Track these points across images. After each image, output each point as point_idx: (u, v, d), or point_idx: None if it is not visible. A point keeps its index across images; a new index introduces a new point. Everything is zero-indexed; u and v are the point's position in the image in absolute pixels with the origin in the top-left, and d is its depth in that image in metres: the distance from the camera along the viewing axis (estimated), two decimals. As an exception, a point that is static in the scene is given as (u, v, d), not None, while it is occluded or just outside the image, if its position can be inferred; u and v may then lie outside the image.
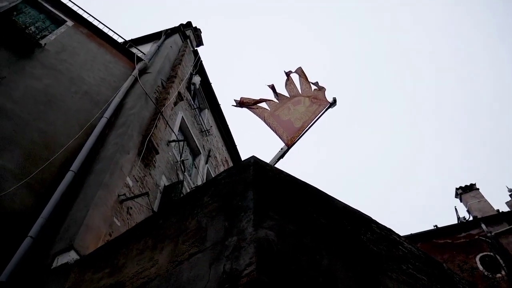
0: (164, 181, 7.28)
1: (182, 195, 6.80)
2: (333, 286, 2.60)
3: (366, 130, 62.13)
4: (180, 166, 8.27)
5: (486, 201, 15.32)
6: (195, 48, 11.44)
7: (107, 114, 6.88)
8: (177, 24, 10.91)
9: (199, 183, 9.01)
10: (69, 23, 8.45)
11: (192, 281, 2.63)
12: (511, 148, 50.81)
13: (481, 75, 55.75)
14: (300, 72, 8.69)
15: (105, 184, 5.31)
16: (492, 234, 12.11)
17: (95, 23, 9.06)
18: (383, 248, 3.43)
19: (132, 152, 6.31)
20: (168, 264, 3.02)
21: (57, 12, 8.41)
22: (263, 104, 7.62)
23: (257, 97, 7.63)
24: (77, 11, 8.84)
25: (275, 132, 7.19)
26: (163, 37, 10.22)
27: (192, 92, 10.53)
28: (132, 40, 10.39)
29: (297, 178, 3.49)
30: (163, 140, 7.65)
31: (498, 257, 11.52)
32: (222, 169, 11.35)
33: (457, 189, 16.41)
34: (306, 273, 2.54)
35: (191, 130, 9.66)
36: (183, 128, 9.37)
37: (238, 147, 13.32)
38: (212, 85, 12.02)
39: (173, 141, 8.17)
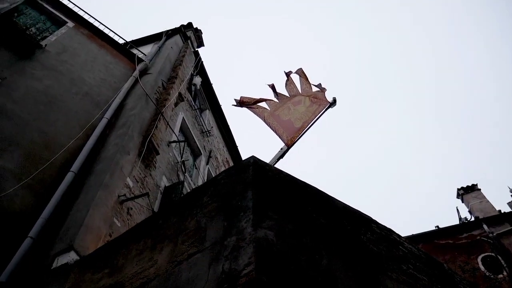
0: (164, 182, 7.28)
1: (182, 195, 6.80)
2: (333, 286, 2.59)
3: (366, 130, 62.12)
4: (181, 167, 8.27)
5: (487, 201, 15.27)
6: (196, 49, 11.45)
7: (108, 114, 6.89)
8: (177, 25, 10.94)
9: (200, 184, 9.00)
10: (70, 24, 8.46)
11: (191, 281, 2.62)
12: (512, 149, 50.69)
13: (482, 75, 55.72)
14: (300, 72, 8.69)
15: (105, 184, 5.31)
16: (494, 234, 12.08)
17: (96, 24, 9.09)
18: (383, 248, 3.42)
19: (133, 152, 6.32)
20: (167, 264, 3.01)
21: (58, 13, 8.42)
22: (263, 104, 7.62)
23: (257, 97, 7.63)
24: (78, 12, 8.86)
25: (275, 132, 7.19)
26: (163, 38, 10.23)
27: (193, 92, 10.54)
28: (132, 41, 10.41)
29: (297, 178, 3.49)
30: (164, 140, 7.65)
31: (499, 258, 11.48)
32: (223, 170, 11.35)
33: (458, 189, 16.37)
34: (306, 273, 2.53)
35: (191, 131, 9.66)
36: (183, 129, 9.37)
37: (238, 147, 13.32)
38: (213, 85, 12.03)
39: (174, 141, 8.18)
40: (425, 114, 59.03)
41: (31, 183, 5.19)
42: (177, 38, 10.54)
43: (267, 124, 7.31)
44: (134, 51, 9.45)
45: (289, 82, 8.30)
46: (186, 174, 8.38)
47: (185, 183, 7.84)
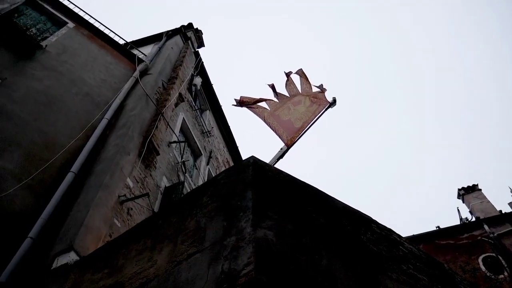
0: (165, 182, 7.28)
1: (182, 196, 6.79)
2: (332, 286, 2.58)
3: (366, 130, 62.08)
4: (181, 167, 8.27)
5: (488, 201, 15.25)
6: (196, 50, 11.45)
7: (108, 115, 6.89)
8: (178, 25, 10.95)
9: (200, 184, 9.00)
10: (70, 24, 8.47)
11: (190, 281, 2.62)
12: (513, 149, 50.63)
13: (483, 75, 55.68)
14: (300, 73, 8.70)
15: (106, 185, 5.31)
16: (495, 235, 12.07)
17: (96, 24, 9.10)
18: (383, 248, 3.41)
19: (133, 153, 6.32)
20: (167, 264, 3.01)
21: (58, 14, 8.43)
22: (263, 104, 7.62)
23: (257, 97, 7.62)
24: (78, 13, 8.87)
25: (275, 132, 7.18)
26: (164, 39, 10.23)
27: (193, 93, 10.54)
28: (133, 42, 10.42)
29: (297, 178, 3.48)
30: (164, 141, 7.65)
31: (500, 258, 11.47)
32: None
33: (459, 189, 16.35)
34: (305, 273, 2.53)
35: (192, 131, 9.66)
36: (184, 129, 9.37)
37: (239, 147, 13.33)
38: (213, 86, 12.03)
39: (174, 142, 8.18)
40: (425, 114, 59.04)
41: (31, 184, 5.19)
42: (178, 39, 10.54)
43: (267, 124, 7.31)
44: (135, 51, 9.45)
45: (289, 82, 8.30)
46: (186, 174, 8.38)
47: (185, 183, 7.84)
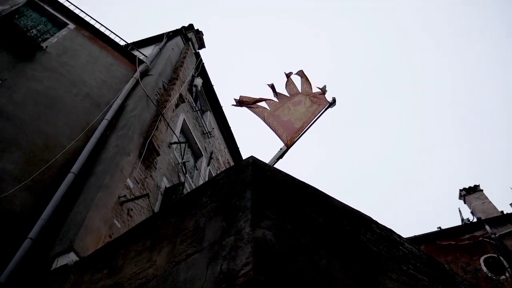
0: (165, 183, 7.28)
1: (182, 196, 6.79)
2: (332, 286, 2.57)
3: (366, 130, 61.95)
4: (182, 168, 8.27)
5: (490, 202, 15.22)
6: (197, 51, 11.46)
7: (108, 116, 6.90)
8: (178, 27, 10.94)
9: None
10: (71, 26, 8.48)
11: (189, 282, 2.61)
12: (515, 149, 50.50)
13: (483, 74, 55.59)
14: (301, 73, 8.70)
15: (106, 185, 5.32)
16: (496, 235, 12.03)
17: (97, 26, 9.11)
18: (383, 248, 3.40)
19: (133, 154, 6.32)
20: (166, 264, 3.00)
21: (58, 15, 8.45)
22: (263, 104, 7.62)
23: (257, 97, 7.62)
24: (79, 14, 8.88)
25: (275, 132, 7.18)
26: (164, 40, 10.24)
27: (194, 94, 10.55)
28: (133, 43, 10.43)
29: (296, 178, 3.47)
30: (164, 142, 7.65)
31: (502, 259, 11.43)
32: (224, 171, 11.32)
33: (460, 190, 16.32)
34: (304, 273, 2.52)
35: (192, 132, 9.66)
36: (184, 130, 9.37)
37: (239, 148, 13.32)
38: (214, 86, 12.04)
39: (174, 143, 8.18)
40: (426, 114, 58.91)
41: (31, 184, 5.19)
42: (178, 40, 10.55)
43: (267, 124, 7.30)
44: (135, 52, 9.46)
45: (289, 83, 8.30)
46: (187, 175, 8.38)
47: (186, 184, 7.84)
